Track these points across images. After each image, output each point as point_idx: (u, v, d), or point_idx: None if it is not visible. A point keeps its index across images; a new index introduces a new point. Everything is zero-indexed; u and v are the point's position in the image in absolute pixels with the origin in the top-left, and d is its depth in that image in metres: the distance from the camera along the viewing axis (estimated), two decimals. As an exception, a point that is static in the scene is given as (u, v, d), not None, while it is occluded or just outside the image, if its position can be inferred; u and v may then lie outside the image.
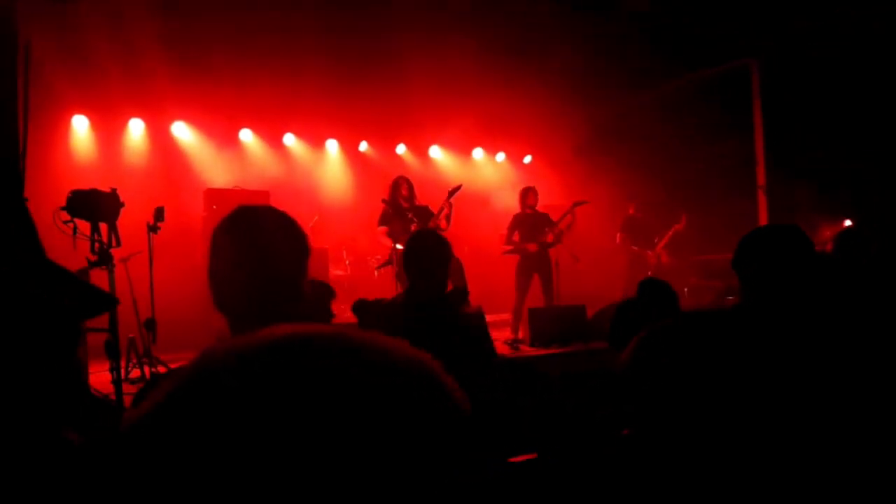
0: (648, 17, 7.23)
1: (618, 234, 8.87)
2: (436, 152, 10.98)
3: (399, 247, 6.17)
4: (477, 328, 2.85)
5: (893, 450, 1.36)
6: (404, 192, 6.29)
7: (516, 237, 7.06)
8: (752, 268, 1.88)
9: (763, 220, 8.59)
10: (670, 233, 8.67)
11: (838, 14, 6.98)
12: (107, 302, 1.35)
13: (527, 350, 5.93)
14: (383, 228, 6.30)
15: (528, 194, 7.09)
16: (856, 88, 7.24)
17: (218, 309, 1.43)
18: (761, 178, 8.65)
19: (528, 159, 11.62)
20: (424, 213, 6.24)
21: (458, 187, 6.28)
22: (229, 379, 0.52)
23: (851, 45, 7.21)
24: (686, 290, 9.43)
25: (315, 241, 7.88)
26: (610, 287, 8.82)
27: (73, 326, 1.42)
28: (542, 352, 5.75)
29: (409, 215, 6.17)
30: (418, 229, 3.02)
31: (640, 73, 8.88)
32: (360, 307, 2.95)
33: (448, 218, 6.19)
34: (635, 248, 8.70)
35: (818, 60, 7.59)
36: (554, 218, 7.12)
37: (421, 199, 6.48)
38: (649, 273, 8.22)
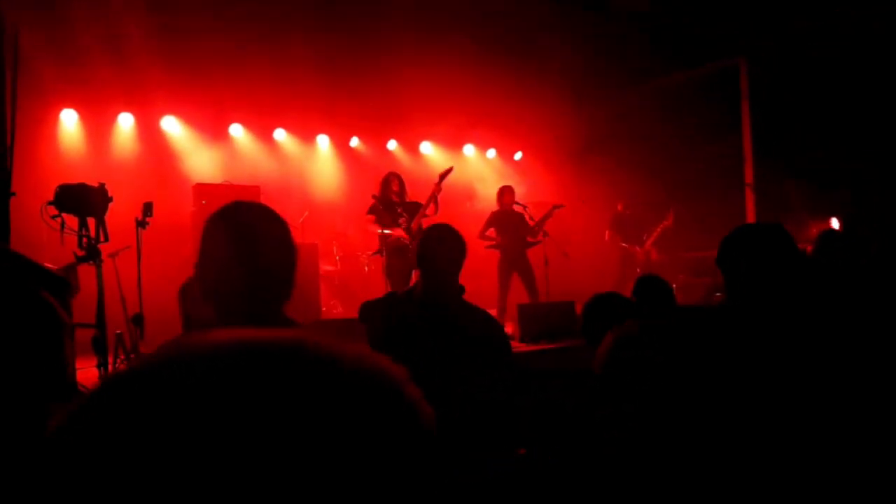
0: (641, 15, 7.26)
1: (606, 232, 8.93)
2: (427, 148, 10.97)
3: (387, 231, 6.22)
4: (490, 324, 2.83)
5: (879, 446, 1.38)
6: (395, 187, 6.33)
7: (491, 233, 7.37)
8: (735, 266, 1.90)
9: (751, 217, 8.66)
10: (658, 229, 8.73)
11: (833, 13, 7.03)
12: (60, 284, 1.35)
13: (516, 346, 5.95)
14: (371, 217, 6.33)
15: (504, 193, 7.33)
16: (851, 87, 7.29)
17: (205, 299, 1.43)
18: (749, 176, 8.71)
19: (518, 156, 11.63)
20: (415, 210, 6.27)
21: (450, 170, 6.35)
22: (161, 385, 0.48)
23: (846, 44, 7.26)
24: (675, 286, 9.48)
25: (305, 237, 7.88)
26: (602, 284, 8.86)
27: (53, 319, 1.42)
28: (532, 348, 5.77)
29: (399, 210, 6.20)
30: (435, 224, 2.94)
31: (634, 71, 8.93)
32: (367, 310, 2.90)
33: (436, 202, 6.24)
34: (624, 244, 8.75)
35: (811, 59, 7.65)
36: (535, 217, 7.35)
37: (411, 196, 6.52)
38: (638, 270, 8.28)
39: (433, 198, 6.28)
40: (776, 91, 8.28)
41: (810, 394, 1.18)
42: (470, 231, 9.49)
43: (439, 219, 6.26)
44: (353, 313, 3.26)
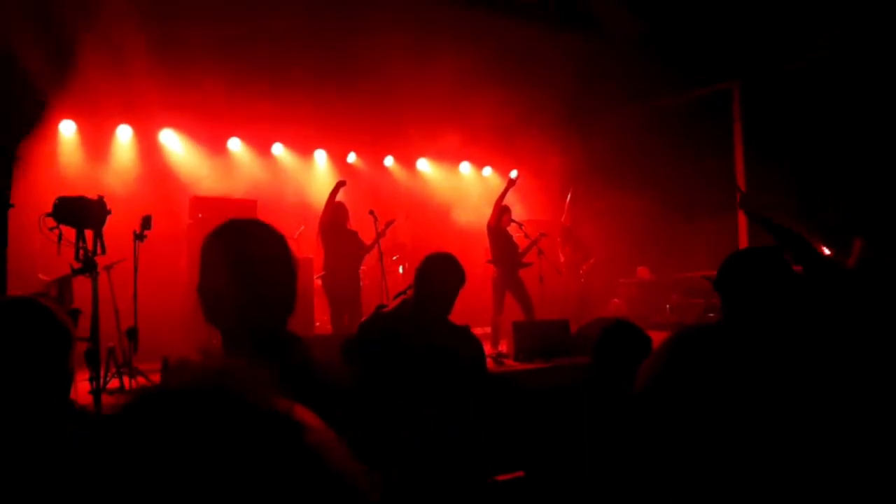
0: (635, 39, 7.35)
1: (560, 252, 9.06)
2: (423, 165, 11.02)
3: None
4: (473, 348, 2.86)
5: (878, 468, 1.40)
6: (344, 215, 6.75)
7: (488, 250, 7.48)
8: (735, 290, 1.92)
9: (743, 239, 8.71)
10: (587, 265, 8.97)
11: (828, 39, 7.13)
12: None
13: (511, 364, 5.95)
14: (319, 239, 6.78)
15: (503, 212, 7.36)
16: (844, 110, 7.36)
17: (209, 323, 1.43)
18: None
19: (514, 174, 11.67)
20: (353, 238, 6.84)
21: (392, 221, 7.09)
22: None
23: (839, 69, 7.34)
24: (668, 306, 9.53)
25: (301, 251, 7.88)
26: (592, 303, 8.91)
27: (62, 333, 1.43)
28: (527, 366, 5.76)
29: (344, 237, 6.73)
30: (439, 253, 2.98)
31: (628, 92, 9.01)
32: (364, 331, 2.92)
33: (380, 247, 6.93)
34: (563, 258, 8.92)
35: (804, 82, 7.73)
36: (531, 235, 7.57)
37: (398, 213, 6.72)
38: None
39: (376, 242, 6.86)
40: (767, 112, 8.36)
41: (814, 420, 1.20)
42: (466, 250, 9.55)
43: (432, 243, 6.44)
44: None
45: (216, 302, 1.41)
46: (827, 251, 8.25)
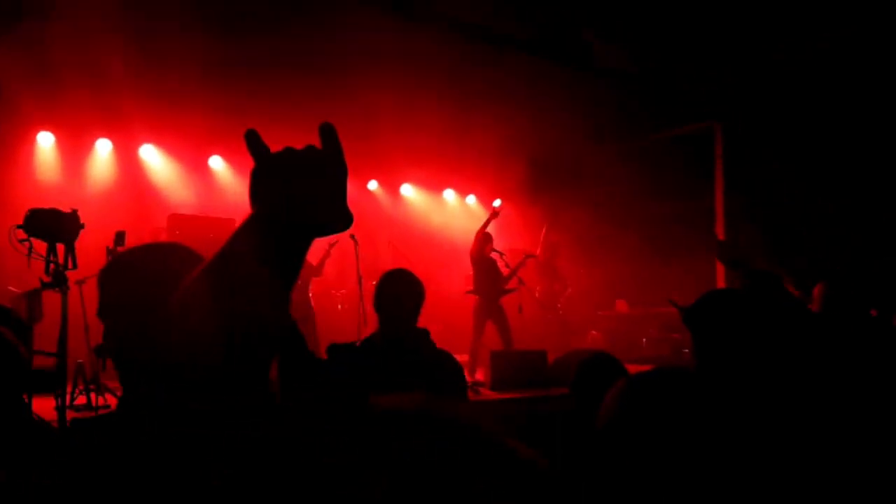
0: (618, 74, 7.46)
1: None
2: (407, 190, 11.04)
3: None
4: (449, 366, 2.83)
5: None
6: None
7: (469, 278, 7.44)
8: (705, 331, 1.92)
9: (720, 276, 8.79)
10: (564, 296, 9.00)
11: (812, 79, 7.27)
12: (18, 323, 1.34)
13: (487, 394, 5.90)
14: None
15: (486, 242, 7.38)
16: (824, 148, 7.48)
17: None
18: (721, 234, 8.88)
19: (497, 202, 11.75)
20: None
21: (335, 242, 7.36)
22: None
23: (823, 111, 7.46)
24: (645, 340, 9.56)
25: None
26: (570, 334, 8.91)
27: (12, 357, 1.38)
28: (503, 396, 5.72)
29: None
30: (392, 270, 2.98)
31: (610, 128, 9.12)
32: (332, 351, 2.89)
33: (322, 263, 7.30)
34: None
35: (784, 120, 7.85)
36: (511, 264, 7.55)
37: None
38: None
39: (322, 264, 7.26)
40: (748, 151, 8.50)
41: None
42: (446, 277, 9.54)
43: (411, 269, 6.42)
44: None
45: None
46: (796, 293, 8.35)
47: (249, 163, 0.81)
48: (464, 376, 2.87)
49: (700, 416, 1.01)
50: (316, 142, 0.85)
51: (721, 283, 8.13)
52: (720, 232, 8.74)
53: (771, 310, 2.33)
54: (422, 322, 2.92)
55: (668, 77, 7.69)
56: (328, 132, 0.76)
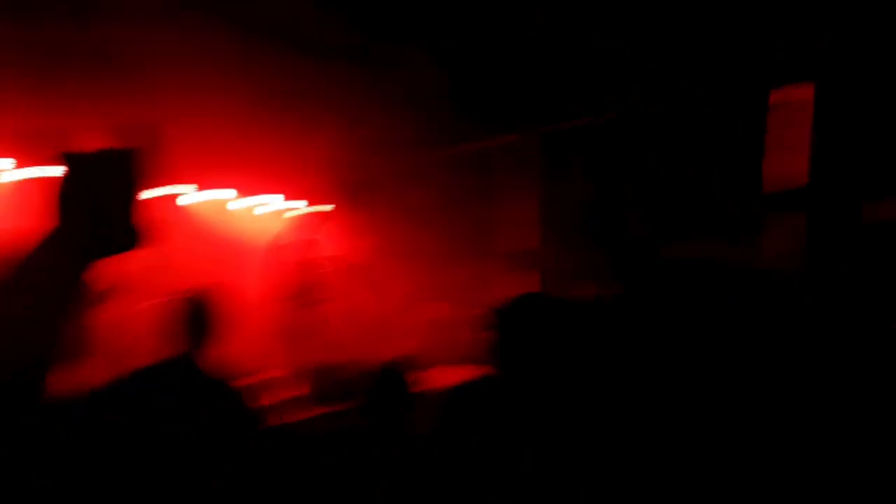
0: (434, 81, 7.59)
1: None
2: (210, 196, 10.32)
3: None
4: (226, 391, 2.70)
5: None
6: None
7: (289, 289, 7.37)
8: (507, 331, 2.00)
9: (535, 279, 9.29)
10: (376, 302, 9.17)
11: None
12: None
13: (303, 410, 5.73)
14: None
15: (298, 249, 7.26)
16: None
17: None
18: (538, 240, 9.31)
19: (305, 209, 11.41)
20: None
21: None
22: None
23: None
24: (459, 342, 9.84)
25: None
26: (383, 342, 8.93)
27: None
28: (320, 411, 5.58)
29: None
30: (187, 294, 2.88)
31: (432, 135, 9.25)
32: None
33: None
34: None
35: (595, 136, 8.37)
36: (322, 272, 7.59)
37: None
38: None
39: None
40: (559, 165, 9.02)
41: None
42: (236, 284, 9.01)
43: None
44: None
45: None
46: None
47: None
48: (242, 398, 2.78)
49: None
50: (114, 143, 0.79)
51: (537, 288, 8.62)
52: (538, 238, 9.22)
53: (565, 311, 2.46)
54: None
55: (490, 88, 7.97)
56: (125, 147, 0.75)
